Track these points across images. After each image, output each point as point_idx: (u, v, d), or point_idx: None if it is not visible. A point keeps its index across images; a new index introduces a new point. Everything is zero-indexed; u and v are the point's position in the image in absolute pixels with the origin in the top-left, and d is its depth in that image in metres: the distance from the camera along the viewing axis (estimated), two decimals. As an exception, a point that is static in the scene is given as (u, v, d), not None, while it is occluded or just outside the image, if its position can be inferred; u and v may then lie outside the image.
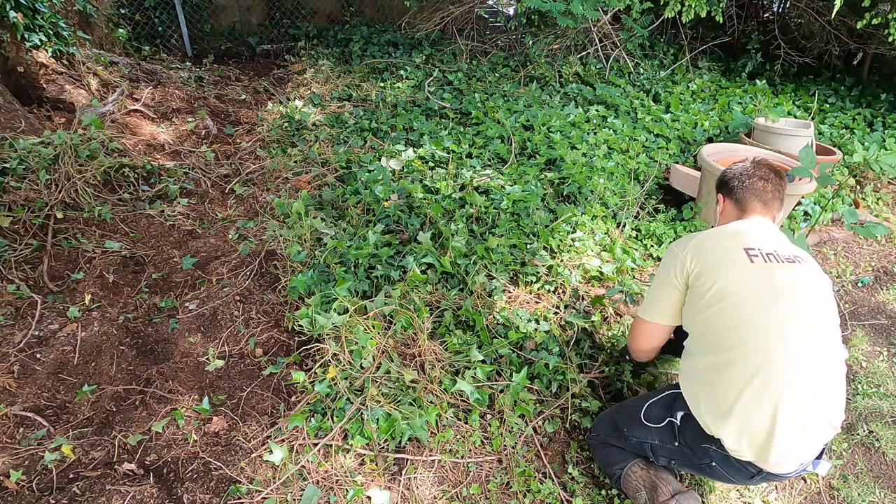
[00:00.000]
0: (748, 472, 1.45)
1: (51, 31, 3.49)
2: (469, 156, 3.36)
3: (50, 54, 3.56)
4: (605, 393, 2.08)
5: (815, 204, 3.42)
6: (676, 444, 1.55)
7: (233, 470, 1.71)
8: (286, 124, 3.78)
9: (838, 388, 1.40)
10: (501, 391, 1.97)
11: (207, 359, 2.08)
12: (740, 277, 1.44)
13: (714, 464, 1.48)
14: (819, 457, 1.43)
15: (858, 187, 3.83)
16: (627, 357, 2.07)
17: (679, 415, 1.53)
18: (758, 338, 1.37)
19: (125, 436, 1.78)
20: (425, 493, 1.72)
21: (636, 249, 2.78)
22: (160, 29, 5.32)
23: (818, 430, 1.37)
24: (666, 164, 3.52)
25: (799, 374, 1.34)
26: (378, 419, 1.79)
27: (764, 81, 4.89)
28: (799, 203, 3.35)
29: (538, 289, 2.41)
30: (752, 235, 1.54)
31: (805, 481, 1.91)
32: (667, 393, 1.62)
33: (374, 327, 1.99)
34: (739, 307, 1.41)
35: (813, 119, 4.38)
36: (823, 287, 1.48)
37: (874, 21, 3.87)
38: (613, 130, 3.82)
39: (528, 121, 3.74)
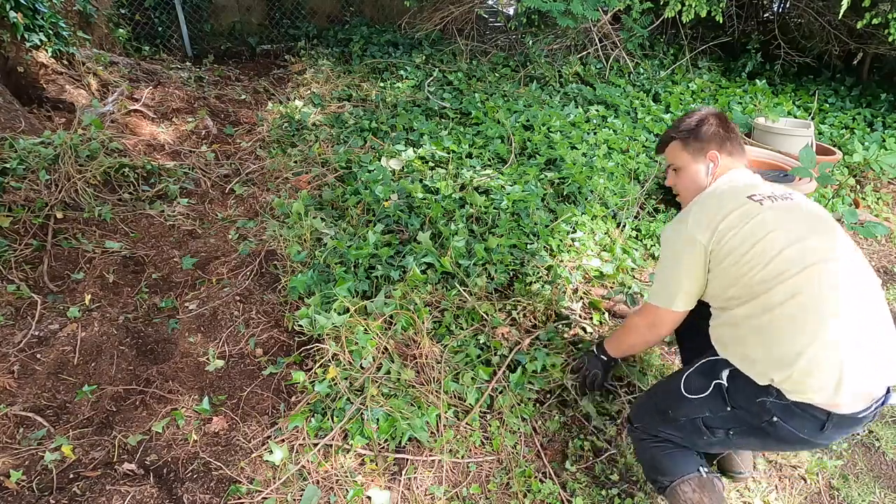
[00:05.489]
0: (818, 421, 1.31)
1: (51, 31, 3.49)
2: (469, 156, 3.36)
3: (50, 54, 3.56)
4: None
5: (815, 204, 3.41)
6: (728, 408, 1.42)
7: (233, 470, 1.71)
8: (286, 124, 3.77)
9: (889, 321, 1.34)
10: (501, 391, 1.97)
11: (207, 359, 2.08)
12: (761, 220, 1.38)
13: (776, 419, 1.34)
14: (887, 393, 1.33)
15: (858, 187, 3.83)
16: (595, 374, 1.88)
17: (724, 374, 1.41)
18: (801, 273, 1.31)
19: (125, 436, 1.78)
20: (425, 493, 1.72)
21: (636, 249, 2.78)
22: (160, 29, 5.32)
23: (883, 364, 1.30)
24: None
25: (850, 304, 1.29)
26: (378, 419, 1.79)
27: (764, 81, 4.88)
28: (799, 203, 3.34)
29: (538, 289, 2.41)
30: (758, 186, 1.49)
31: (805, 481, 1.91)
32: (701, 361, 1.49)
33: (374, 328, 1.99)
34: (774, 245, 1.34)
35: (813, 119, 4.38)
36: (825, 213, 1.47)
37: (874, 21, 3.86)
38: (613, 130, 3.82)
39: (528, 121, 3.74)
